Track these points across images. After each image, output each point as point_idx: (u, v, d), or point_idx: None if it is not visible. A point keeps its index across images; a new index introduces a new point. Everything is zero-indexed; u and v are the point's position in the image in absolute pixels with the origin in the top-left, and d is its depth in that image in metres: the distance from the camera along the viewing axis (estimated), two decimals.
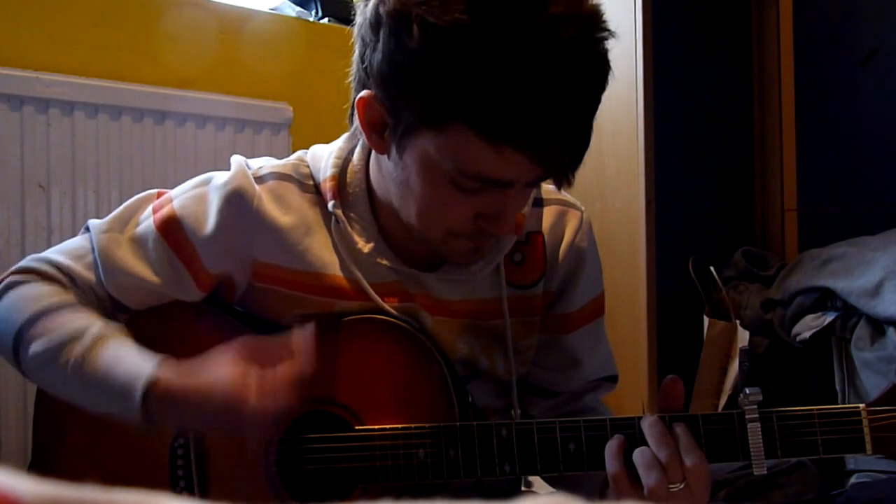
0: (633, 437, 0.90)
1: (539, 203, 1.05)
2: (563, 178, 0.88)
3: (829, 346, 1.87)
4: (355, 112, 0.91)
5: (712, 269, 2.02)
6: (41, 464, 1.00)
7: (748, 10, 2.35)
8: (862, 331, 1.78)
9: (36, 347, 0.92)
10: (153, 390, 0.87)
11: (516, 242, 1.02)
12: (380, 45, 0.83)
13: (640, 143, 1.90)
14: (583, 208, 1.08)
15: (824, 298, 1.87)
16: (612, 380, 1.13)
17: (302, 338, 0.88)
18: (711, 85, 2.28)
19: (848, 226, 2.09)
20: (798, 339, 1.88)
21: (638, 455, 0.86)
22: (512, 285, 1.03)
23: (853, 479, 1.72)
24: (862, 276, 1.79)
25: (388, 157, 0.91)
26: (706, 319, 2.01)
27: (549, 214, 1.05)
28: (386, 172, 0.94)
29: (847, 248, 1.92)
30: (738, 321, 1.96)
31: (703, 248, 2.11)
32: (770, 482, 0.97)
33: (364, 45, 0.87)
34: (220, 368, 0.86)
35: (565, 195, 1.08)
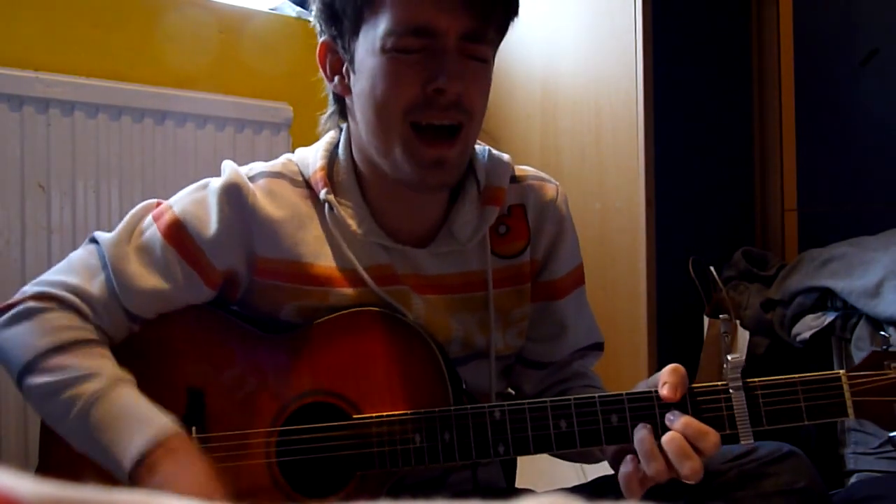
0: (623, 411, 0.92)
1: (515, 180, 1.11)
2: (484, 23, 0.94)
3: (829, 346, 1.87)
4: (330, 89, 1.04)
5: (712, 269, 2.02)
6: (45, 465, 1.01)
7: (748, 10, 2.35)
8: (862, 331, 1.78)
9: (43, 380, 0.94)
10: (148, 458, 0.89)
11: (500, 216, 1.08)
12: None
13: (640, 143, 1.90)
14: (557, 182, 1.14)
15: (824, 298, 1.87)
16: (599, 347, 1.18)
17: None
18: (711, 85, 2.28)
19: (848, 226, 2.08)
20: (798, 339, 1.88)
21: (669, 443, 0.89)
22: (500, 256, 1.08)
23: (853, 479, 1.72)
24: (862, 276, 1.79)
25: (351, 93, 1.00)
26: (706, 319, 2.00)
27: (527, 188, 1.11)
28: (356, 122, 1.01)
29: (847, 248, 1.92)
30: (738, 321, 1.96)
31: (703, 248, 2.11)
32: (761, 471, 0.98)
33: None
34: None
35: (538, 172, 1.15)
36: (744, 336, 1.94)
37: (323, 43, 1.02)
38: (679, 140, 2.10)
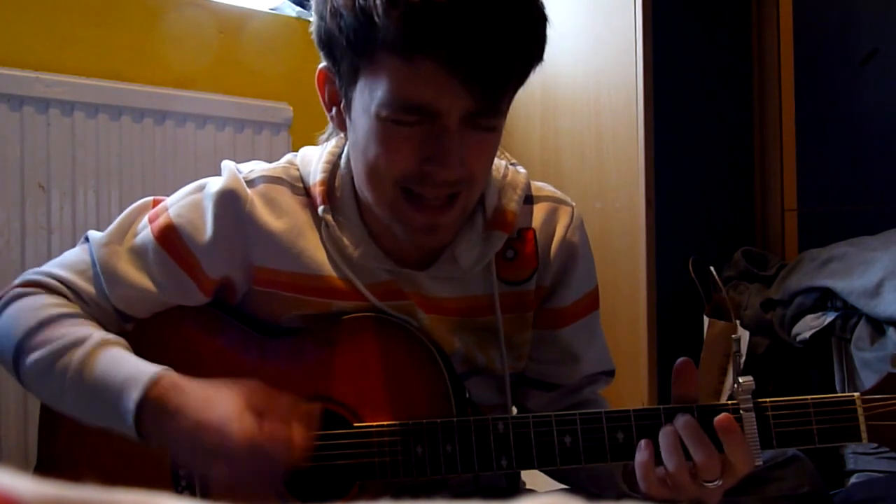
0: (629, 429, 0.90)
1: (530, 200, 1.06)
2: (490, 103, 0.86)
3: (829, 346, 1.87)
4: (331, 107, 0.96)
5: (712, 269, 2.02)
6: (45, 465, 1.00)
7: (748, 10, 2.35)
8: (862, 331, 1.78)
9: (36, 355, 0.92)
10: (150, 394, 0.86)
11: (508, 239, 1.02)
12: (314, 10, 0.90)
13: (640, 143, 1.90)
14: (573, 204, 1.09)
15: (824, 298, 1.87)
16: (610, 374, 1.14)
17: (309, 418, 0.88)
18: (711, 85, 2.28)
19: (848, 226, 2.09)
20: (798, 339, 1.88)
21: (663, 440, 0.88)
22: (505, 281, 1.04)
23: (853, 479, 1.72)
24: (862, 276, 1.79)
25: (346, 129, 0.94)
26: (706, 319, 2.00)
27: (539, 211, 1.06)
28: (351, 154, 0.97)
29: (847, 248, 1.92)
30: (738, 321, 1.96)
31: (703, 248, 2.11)
32: (765, 476, 0.97)
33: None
34: (224, 401, 0.86)
35: (556, 191, 1.09)
36: (744, 336, 1.94)
37: (322, 71, 0.94)
38: (679, 140, 2.10)
